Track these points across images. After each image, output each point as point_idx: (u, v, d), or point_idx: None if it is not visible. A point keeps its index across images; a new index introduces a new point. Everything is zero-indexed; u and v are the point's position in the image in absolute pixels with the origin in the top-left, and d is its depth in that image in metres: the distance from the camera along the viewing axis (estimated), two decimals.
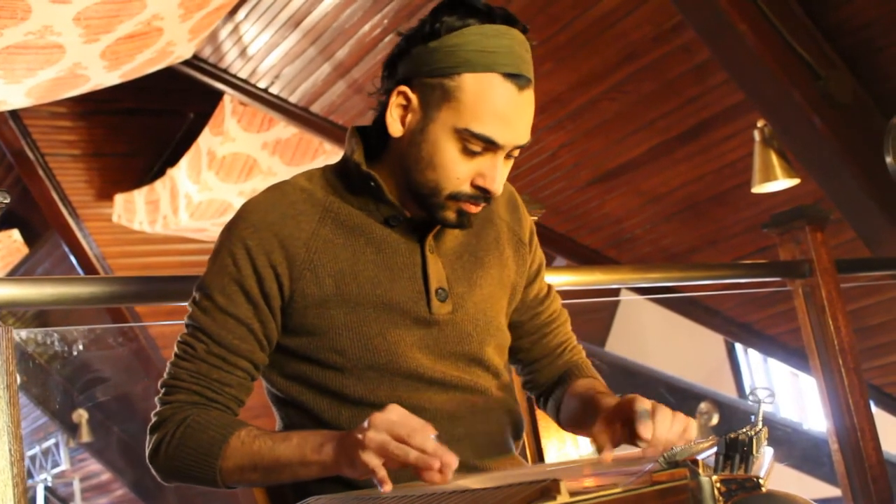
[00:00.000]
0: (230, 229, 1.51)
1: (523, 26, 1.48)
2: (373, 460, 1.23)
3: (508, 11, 1.47)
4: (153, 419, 1.47)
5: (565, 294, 1.81)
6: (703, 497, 1.00)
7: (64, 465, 9.67)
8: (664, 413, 1.35)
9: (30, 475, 9.56)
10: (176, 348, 1.49)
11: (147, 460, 1.47)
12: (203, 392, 1.46)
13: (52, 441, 9.72)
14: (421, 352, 1.50)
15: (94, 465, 9.56)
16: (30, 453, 9.70)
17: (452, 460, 1.21)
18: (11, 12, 3.73)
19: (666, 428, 1.33)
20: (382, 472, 1.22)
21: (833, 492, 5.82)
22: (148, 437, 1.47)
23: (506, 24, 1.45)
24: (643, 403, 1.35)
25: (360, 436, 1.25)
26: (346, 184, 1.54)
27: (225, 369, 1.47)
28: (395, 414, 1.25)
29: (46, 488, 10.13)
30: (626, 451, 1.39)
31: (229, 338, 1.47)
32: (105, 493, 9.89)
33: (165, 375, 1.49)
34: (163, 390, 1.48)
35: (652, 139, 5.01)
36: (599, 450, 1.39)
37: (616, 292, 7.60)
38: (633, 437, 1.35)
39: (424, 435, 1.22)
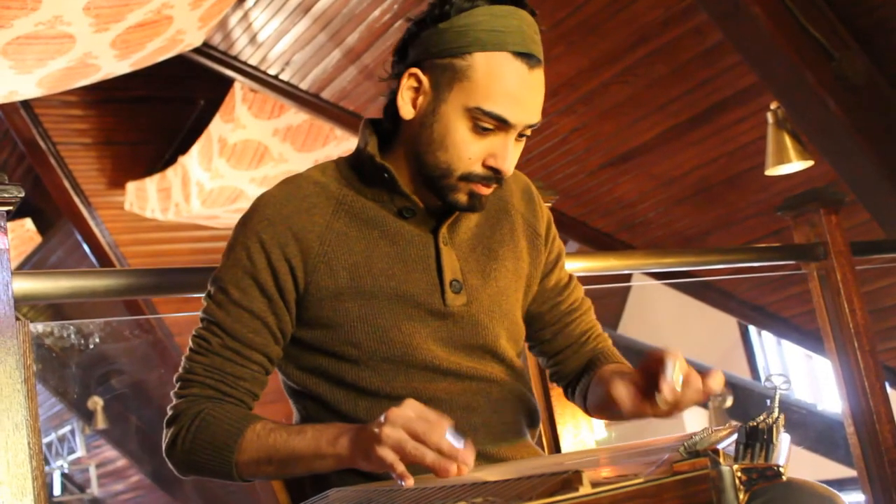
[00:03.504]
0: (244, 223, 1.51)
1: (532, 9, 1.48)
2: (389, 455, 1.22)
3: None
4: (169, 413, 1.48)
5: (579, 280, 1.80)
6: (724, 486, 0.99)
7: (80, 452, 9.72)
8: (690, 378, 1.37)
9: (46, 462, 9.60)
10: (191, 342, 1.50)
11: (164, 454, 1.47)
12: (217, 386, 1.46)
13: (67, 428, 9.78)
14: (436, 343, 1.50)
15: (109, 452, 9.61)
16: (46, 440, 9.75)
17: (469, 458, 1.21)
18: (22, 3, 3.73)
19: (687, 390, 1.36)
20: (401, 468, 1.22)
21: (848, 472, 5.82)
22: (164, 431, 1.48)
23: (514, 5, 1.45)
24: (675, 359, 1.36)
25: (376, 430, 1.24)
26: (360, 176, 1.54)
27: (239, 363, 1.47)
28: (411, 409, 1.25)
29: (63, 475, 10.20)
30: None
31: (244, 332, 1.47)
32: (121, 479, 9.95)
33: (180, 369, 1.49)
34: (178, 384, 1.49)
35: (664, 122, 4.99)
36: (618, 402, 1.41)
37: (628, 277, 7.59)
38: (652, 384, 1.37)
39: (441, 432, 1.21)
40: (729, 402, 6.54)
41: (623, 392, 1.42)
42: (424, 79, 1.47)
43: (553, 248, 1.71)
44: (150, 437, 8.74)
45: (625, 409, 1.42)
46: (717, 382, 1.38)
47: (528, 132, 1.49)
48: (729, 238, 5.59)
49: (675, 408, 1.37)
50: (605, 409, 1.61)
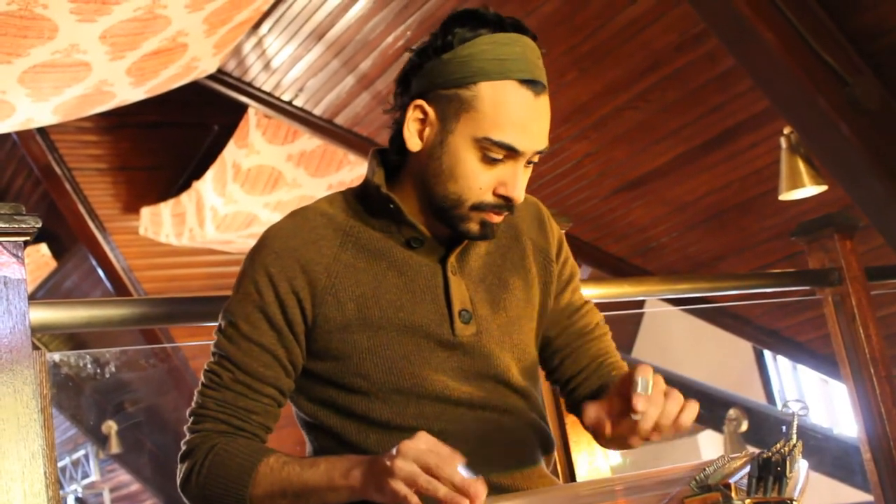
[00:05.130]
0: (253, 257, 1.52)
1: (533, 34, 1.48)
2: (402, 488, 1.22)
3: (517, 20, 1.47)
4: (182, 448, 1.48)
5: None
6: None
7: (94, 476, 9.73)
8: (663, 389, 1.32)
9: (60, 486, 9.61)
10: (203, 377, 1.50)
11: (179, 489, 1.48)
12: (230, 420, 1.46)
13: (81, 452, 9.79)
14: (446, 374, 1.50)
15: (123, 476, 9.61)
16: (60, 464, 9.76)
17: (482, 493, 1.20)
18: (39, 32, 3.76)
19: (661, 402, 1.31)
20: (415, 500, 1.22)
21: (865, 497, 5.77)
22: (178, 467, 1.48)
23: (516, 31, 1.46)
24: (643, 372, 1.31)
25: (388, 463, 1.24)
26: (367, 207, 1.54)
27: (251, 397, 1.47)
28: (423, 442, 1.25)
29: (77, 499, 10.20)
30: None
31: (254, 365, 1.47)
32: (135, 503, 9.94)
33: (193, 404, 1.50)
34: (191, 419, 1.49)
35: (677, 148, 4.99)
36: (595, 427, 1.37)
37: (641, 304, 7.57)
38: (628, 408, 1.32)
39: (453, 466, 1.21)
40: (744, 426, 6.49)
41: (593, 415, 1.38)
42: (430, 110, 1.47)
43: (565, 268, 1.69)
44: (164, 462, 8.73)
45: (604, 434, 1.38)
46: (689, 416, 1.33)
47: (537, 158, 1.49)
48: (742, 263, 5.58)
49: (657, 426, 1.32)
50: (610, 441, 1.57)
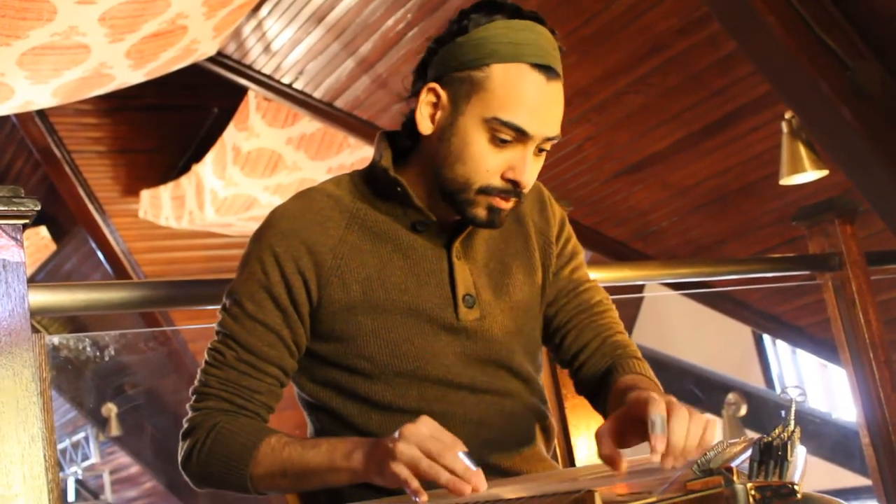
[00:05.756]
0: (258, 237, 1.52)
1: (551, 28, 1.48)
2: (403, 471, 1.22)
3: (536, 13, 1.47)
4: (184, 426, 1.48)
5: None
6: None
7: (94, 458, 9.75)
8: (680, 419, 1.25)
9: (60, 468, 9.62)
10: (206, 355, 1.50)
11: (180, 467, 1.48)
12: (232, 399, 1.47)
13: (81, 434, 9.80)
14: (449, 358, 1.50)
15: (123, 458, 9.63)
16: (60, 446, 9.78)
17: (482, 483, 1.20)
18: (38, 14, 3.75)
19: (682, 436, 1.24)
20: (416, 484, 1.22)
21: (863, 482, 5.79)
22: (180, 444, 1.48)
23: (533, 21, 1.45)
24: (657, 408, 1.25)
25: (390, 445, 1.25)
26: (374, 189, 1.54)
27: (254, 376, 1.47)
28: (426, 427, 1.25)
29: (77, 481, 10.22)
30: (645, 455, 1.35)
31: (259, 345, 1.47)
32: (134, 485, 9.97)
33: (196, 382, 1.50)
34: (193, 397, 1.50)
35: (678, 132, 4.98)
36: (607, 463, 1.30)
37: (641, 288, 7.56)
38: (643, 429, 1.26)
39: (454, 453, 1.21)
40: (743, 410, 6.51)
41: (606, 451, 1.30)
42: (443, 93, 1.47)
43: (567, 246, 1.69)
44: (164, 444, 8.75)
45: (618, 469, 1.31)
46: (711, 435, 1.27)
47: (548, 146, 1.48)
48: (743, 247, 5.58)
49: (678, 459, 1.25)
50: None
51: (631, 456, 1.34)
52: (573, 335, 1.66)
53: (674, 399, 1.29)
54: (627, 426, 1.33)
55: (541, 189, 1.70)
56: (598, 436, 1.32)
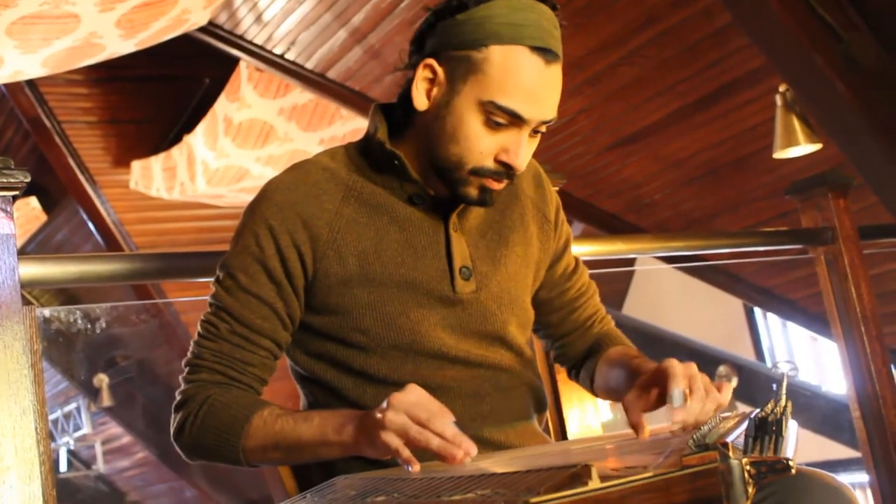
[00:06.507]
0: (253, 209, 1.51)
1: (552, 3, 1.46)
2: (393, 440, 1.23)
3: None
4: (177, 398, 1.48)
5: (585, 263, 1.80)
6: (733, 480, 0.98)
7: (85, 429, 9.77)
8: (699, 393, 1.32)
9: (52, 439, 9.66)
10: (199, 327, 1.50)
11: (172, 439, 1.48)
12: (226, 371, 1.47)
13: (73, 405, 9.82)
14: (444, 331, 1.50)
15: (115, 429, 9.66)
16: (52, 417, 9.80)
17: (472, 448, 1.21)
18: None
19: (698, 409, 1.31)
20: (407, 453, 1.23)
21: (852, 454, 5.83)
22: (172, 416, 1.48)
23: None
24: (677, 382, 1.32)
25: (379, 416, 1.25)
26: (370, 162, 1.53)
27: (248, 349, 1.47)
28: (414, 395, 1.25)
29: (69, 451, 10.26)
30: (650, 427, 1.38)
31: (252, 317, 1.47)
32: (126, 455, 10.00)
33: (189, 354, 1.50)
34: (186, 369, 1.49)
35: (672, 104, 4.97)
36: (634, 429, 1.36)
37: (633, 261, 7.58)
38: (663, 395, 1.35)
39: (444, 419, 1.22)
40: (734, 382, 6.54)
41: (635, 419, 1.38)
42: (440, 70, 1.45)
43: (562, 235, 1.71)
44: (156, 414, 8.77)
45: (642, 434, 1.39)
46: (727, 395, 1.37)
47: (543, 128, 1.48)
48: (736, 220, 5.58)
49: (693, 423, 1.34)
50: (612, 391, 1.62)
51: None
52: (567, 320, 1.74)
53: (694, 371, 1.35)
54: (650, 393, 1.39)
55: (538, 167, 1.71)
56: (627, 403, 1.39)
